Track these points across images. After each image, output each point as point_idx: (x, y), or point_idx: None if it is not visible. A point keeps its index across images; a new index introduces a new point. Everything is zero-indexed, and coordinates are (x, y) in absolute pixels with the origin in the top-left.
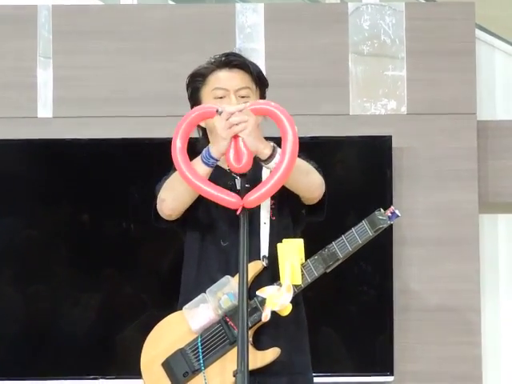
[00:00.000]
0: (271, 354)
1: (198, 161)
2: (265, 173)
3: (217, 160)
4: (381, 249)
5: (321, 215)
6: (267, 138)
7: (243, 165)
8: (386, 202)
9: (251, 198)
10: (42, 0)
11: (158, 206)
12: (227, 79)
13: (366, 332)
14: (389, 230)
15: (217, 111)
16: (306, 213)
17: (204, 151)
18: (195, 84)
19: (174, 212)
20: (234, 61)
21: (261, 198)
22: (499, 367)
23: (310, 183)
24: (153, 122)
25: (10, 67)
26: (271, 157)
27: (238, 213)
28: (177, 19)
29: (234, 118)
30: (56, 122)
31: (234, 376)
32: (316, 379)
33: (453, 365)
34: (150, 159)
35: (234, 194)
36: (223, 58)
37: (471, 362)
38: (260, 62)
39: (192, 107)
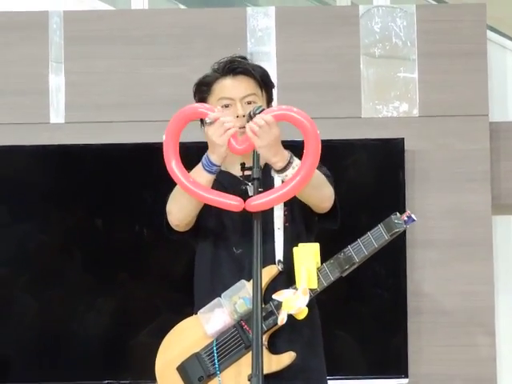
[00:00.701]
0: (287, 358)
1: (199, 169)
2: (277, 178)
3: (217, 165)
4: (394, 251)
5: (334, 223)
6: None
7: (245, 146)
8: (399, 205)
9: (255, 202)
10: (53, 6)
11: (169, 220)
12: (232, 88)
13: (380, 334)
14: (402, 233)
15: (205, 122)
16: (319, 220)
17: (204, 159)
18: (201, 94)
19: (180, 222)
20: (237, 68)
21: (265, 205)
22: None
23: (320, 196)
24: (165, 127)
25: (22, 73)
26: (284, 170)
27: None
28: (188, 24)
29: (227, 124)
30: (68, 128)
31: (249, 380)
32: (331, 382)
33: (467, 367)
34: (162, 164)
35: (235, 197)
36: (227, 65)
37: (486, 364)
38: (271, 66)
39: None
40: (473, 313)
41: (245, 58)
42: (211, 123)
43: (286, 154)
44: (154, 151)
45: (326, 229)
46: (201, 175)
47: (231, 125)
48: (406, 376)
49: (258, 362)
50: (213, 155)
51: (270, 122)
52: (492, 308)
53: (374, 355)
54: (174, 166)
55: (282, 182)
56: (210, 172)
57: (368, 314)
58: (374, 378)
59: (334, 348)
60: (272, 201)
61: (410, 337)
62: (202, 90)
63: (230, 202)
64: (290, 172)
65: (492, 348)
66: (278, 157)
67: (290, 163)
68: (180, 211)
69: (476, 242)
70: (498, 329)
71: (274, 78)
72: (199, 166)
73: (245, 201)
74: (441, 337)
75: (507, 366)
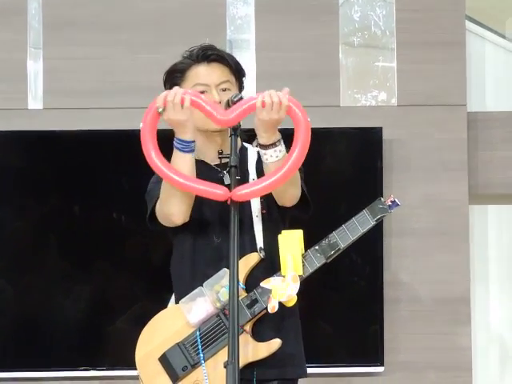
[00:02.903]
0: (272, 346)
1: (177, 155)
2: (251, 167)
3: (192, 141)
4: (371, 240)
5: (305, 212)
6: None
7: (231, 118)
8: (377, 194)
9: (240, 192)
10: None
11: (167, 221)
12: (207, 74)
13: (356, 323)
14: (379, 221)
15: (159, 113)
16: (290, 209)
17: (176, 143)
18: (174, 80)
19: (186, 217)
20: (211, 55)
21: (250, 195)
22: (489, 357)
23: (291, 195)
24: (143, 114)
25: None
26: (266, 147)
27: (228, 202)
28: (167, 10)
29: (177, 97)
30: (46, 114)
31: (225, 367)
32: (307, 370)
33: (443, 355)
34: (140, 150)
35: (221, 186)
36: (201, 53)
37: (461, 352)
38: (251, 54)
39: None
40: (449, 302)
41: (214, 46)
42: (163, 110)
43: (277, 136)
44: (132, 138)
45: (297, 217)
46: (180, 159)
47: (179, 93)
48: (382, 364)
49: (234, 350)
50: (184, 135)
51: (283, 106)
52: (468, 297)
53: (350, 343)
54: (154, 157)
55: (257, 169)
56: (188, 151)
57: (345, 302)
58: (350, 366)
59: (311, 336)
60: (258, 190)
61: (386, 325)
62: (175, 77)
63: (215, 191)
64: (269, 152)
65: (468, 337)
66: (267, 134)
67: (274, 145)
68: (181, 209)
69: (453, 231)
70: (473, 318)
71: (252, 66)
72: (175, 152)
73: None
74: (417, 325)
75: (482, 355)
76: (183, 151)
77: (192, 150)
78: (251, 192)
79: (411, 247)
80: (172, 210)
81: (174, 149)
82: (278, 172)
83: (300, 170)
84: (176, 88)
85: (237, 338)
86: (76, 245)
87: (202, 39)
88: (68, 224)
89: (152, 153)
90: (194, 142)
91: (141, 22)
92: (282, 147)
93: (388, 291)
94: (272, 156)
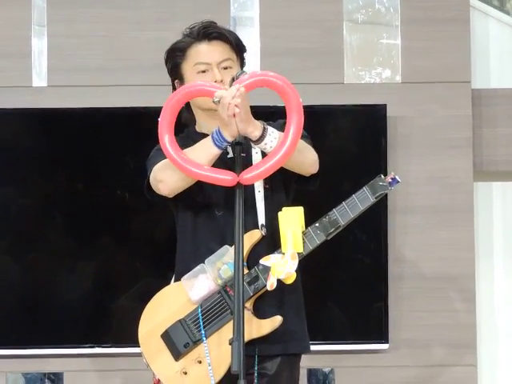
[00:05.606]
0: (273, 323)
1: (208, 142)
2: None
3: (228, 142)
4: (375, 217)
5: (313, 186)
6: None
7: None
8: (381, 171)
9: (247, 176)
10: None
11: (155, 185)
12: (208, 53)
13: (361, 300)
14: (383, 198)
15: (213, 101)
16: (298, 182)
17: (215, 134)
18: (175, 59)
19: (173, 192)
20: (212, 33)
21: (257, 177)
22: (494, 334)
23: (305, 161)
24: (148, 91)
25: (4, 36)
26: (261, 138)
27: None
28: None
29: (229, 101)
30: (51, 91)
31: (230, 344)
32: (312, 347)
33: (447, 332)
34: (145, 128)
35: (228, 171)
36: (201, 30)
37: (466, 329)
38: (254, 31)
39: (173, 82)
40: (453, 279)
41: (215, 23)
42: (218, 101)
43: (258, 122)
44: (136, 115)
45: (303, 190)
46: (209, 148)
47: (234, 103)
48: (387, 341)
49: (239, 327)
50: (225, 131)
51: (242, 94)
52: (472, 274)
53: (354, 320)
54: (167, 141)
55: (262, 151)
56: (219, 147)
57: (349, 279)
58: (355, 343)
59: (315, 313)
60: (264, 172)
61: (391, 302)
62: (176, 56)
63: (223, 177)
64: (268, 139)
65: (472, 314)
66: (252, 125)
67: (265, 130)
68: (176, 182)
69: (457, 208)
70: (478, 295)
71: (256, 44)
72: (209, 139)
73: (230, 167)
74: (421, 302)
75: (487, 332)
76: (214, 143)
77: (222, 148)
78: (258, 174)
79: (416, 224)
80: (163, 177)
81: (210, 136)
82: (280, 150)
83: (306, 137)
84: (234, 91)
85: (241, 315)
86: (80, 222)
87: (205, 16)
88: (72, 201)
89: (165, 137)
90: (229, 143)
91: None
92: (271, 128)
93: (392, 268)
94: (272, 141)
